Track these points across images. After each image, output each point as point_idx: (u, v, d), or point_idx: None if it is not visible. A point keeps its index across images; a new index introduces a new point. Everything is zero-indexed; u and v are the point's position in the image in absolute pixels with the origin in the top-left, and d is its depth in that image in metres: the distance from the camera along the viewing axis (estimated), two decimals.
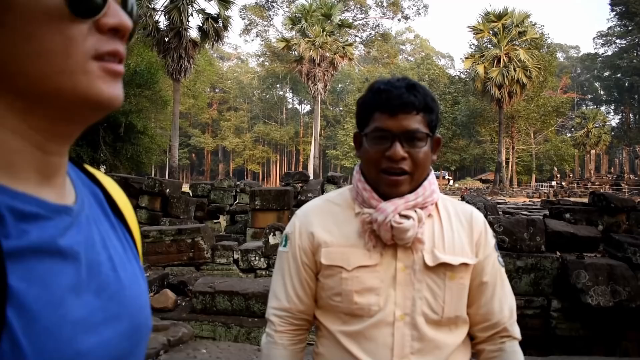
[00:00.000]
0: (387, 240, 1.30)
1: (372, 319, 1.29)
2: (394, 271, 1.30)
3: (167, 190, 11.08)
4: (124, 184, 10.65)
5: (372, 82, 1.39)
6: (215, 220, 14.05)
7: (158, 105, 21.55)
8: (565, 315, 4.03)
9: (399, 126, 1.28)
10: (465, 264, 1.34)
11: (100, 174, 0.73)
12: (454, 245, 1.34)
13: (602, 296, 3.81)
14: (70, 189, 0.63)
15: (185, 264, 7.05)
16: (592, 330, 4.02)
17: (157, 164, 43.13)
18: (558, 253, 4.36)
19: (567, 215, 6.70)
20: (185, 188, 15.96)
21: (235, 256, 7.26)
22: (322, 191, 12.71)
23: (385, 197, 1.33)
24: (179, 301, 5.50)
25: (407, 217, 1.29)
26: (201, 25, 22.58)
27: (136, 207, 10.75)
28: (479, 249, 1.38)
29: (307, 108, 72.29)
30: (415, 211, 1.31)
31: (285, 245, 1.44)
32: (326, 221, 1.39)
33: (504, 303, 1.41)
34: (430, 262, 1.30)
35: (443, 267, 1.31)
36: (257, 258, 7.21)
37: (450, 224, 1.38)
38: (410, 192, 1.33)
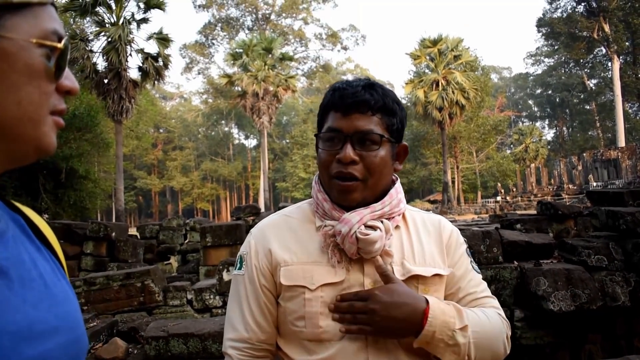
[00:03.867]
0: (353, 255, 1.17)
1: (340, 343, 1.15)
2: (362, 288, 1.17)
3: (113, 234, 10.62)
4: (66, 231, 10.15)
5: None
6: (166, 262, 13.59)
7: (100, 149, 20.95)
8: (528, 324, 4.01)
9: (351, 126, 1.18)
10: (438, 275, 1.23)
11: (19, 204, 0.73)
12: (425, 256, 1.23)
13: (562, 301, 3.81)
14: None
15: (136, 309, 6.69)
16: (557, 337, 4.00)
17: (103, 209, 41.83)
18: (515, 262, 4.37)
19: (518, 226, 6.81)
20: (133, 231, 15.45)
21: (189, 296, 6.97)
22: None
23: (345, 207, 1.21)
24: (130, 349, 5.18)
25: (373, 227, 1.18)
26: (141, 64, 22.26)
27: (81, 254, 10.22)
28: (449, 255, 1.28)
29: (254, 142, 72.11)
30: (382, 221, 1.20)
31: (240, 268, 1.29)
32: (284, 237, 1.25)
33: (484, 290, 1.30)
34: (400, 275, 1.19)
35: (415, 280, 1.20)
36: (211, 296, 6.95)
37: (418, 234, 1.27)
38: (375, 200, 1.22)
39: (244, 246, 1.32)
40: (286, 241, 1.25)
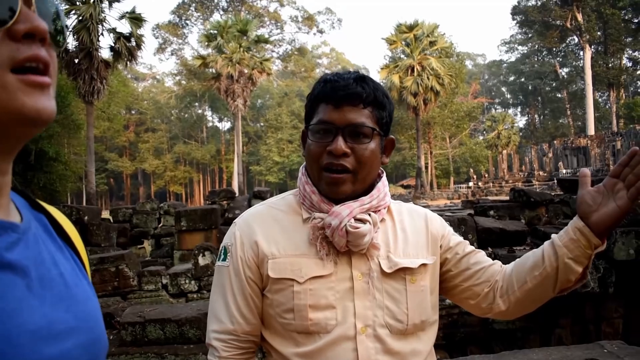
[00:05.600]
0: (341, 247, 1.18)
1: (330, 335, 1.16)
2: (351, 280, 1.18)
3: (86, 217, 10.47)
4: None
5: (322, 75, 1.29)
6: (139, 246, 13.48)
7: (71, 130, 20.54)
8: None
9: (342, 119, 1.18)
10: (424, 265, 1.25)
11: (44, 203, 0.72)
12: (410, 248, 1.25)
13: None
14: (15, 211, 0.63)
15: (110, 294, 6.63)
16: (528, 321, 4.12)
17: (74, 192, 41.08)
18: (490, 249, 4.46)
19: (492, 212, 6.94)
20: (106, 214, 15.25)
21: (164, 281, 6.93)
22: (250, 207, 12.52)
23: (334, 200, 1.22)
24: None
25: (362, 221, 1.18)
26: (113, 44, 21.74)
27: None
28: (443, 242, 1.31)
29: (228, 125, 71.46)
30: (370, 214, 1.21)
31: (224, 259, 1.28)
32: (270, 229, 1.25)
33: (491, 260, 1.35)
34: (387, 269, 1.20)
35: (402, 272, 1.22)
36: (187, 281, 6.92)
37: (402, 225, 1.29)
38: (364, 193, 1.23)
39: (228, 237, 1.31)
40: (273, 233, 1.25)
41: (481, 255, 1.34)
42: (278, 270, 1.20)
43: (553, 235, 1.26)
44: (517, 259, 1.33)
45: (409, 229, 1.29)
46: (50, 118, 0.57)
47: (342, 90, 1.18)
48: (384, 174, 1.33)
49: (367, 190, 1.24)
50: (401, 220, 1.30)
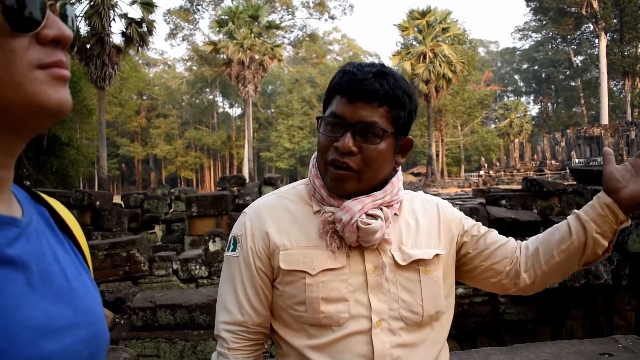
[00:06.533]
0: (352, 243, 1.16)
1: (344, 329, 1.15)
2: (364, 274, 1.16)
3: (97, 202, 10.55)
4: None
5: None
6: (150, 231, 13.57)
7: (83, 115, 20.62)
8: (512, 300, 4.09)
9: (354, 115, 1.13)
10: (437, 255, 1.23)
11: (45, 195, 0.72)
12: (421, 238, 1.23)
13: None
14: (17, 204, 0.64)
15: (121, 278, 6.68)
16: (539, 313, 4.10)
17: (86, 177, 41.40)
18: None
19: (503, 202, 6.89)
20: (117, 199, 15.35)
21: (175, 266, 6.96)
22: (260, 193, 12.53)
23: (341, 196, 1.19)
24: (117, 319, 5.19)
25: (374, 216, 1.16)
26: (125, 30, 21.76)
27: None
28: (458, 227, 1.30)
29: (239, 111, 71.47)
30: (382, 209, 1.18)
31: (234, 249, 1.25)
32: (281, 219, 1.22)
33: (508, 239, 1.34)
34: (401, 261, 1.18)
35: (416, 263, 1.19)
36: (197, 267, 6.95)
37: (415, 216, 1.27)
38: (376, 188, 1.20)
39: (237, 227, 1.28)
40: (284, 224, 1.22)
41: (495, 234, 1.34)
42: (290, 262, 1.18)
43: (576, 211, 1.27)
44: (540, 234, 1.33)
45: (420, 218, 1.27)
46: (68, 110, 0.60)
47: (358, 84, 1.13)
48: (400, 168, 1.30)
49: (380, 185, 1.22)
50: (413, 210, 1.28)
